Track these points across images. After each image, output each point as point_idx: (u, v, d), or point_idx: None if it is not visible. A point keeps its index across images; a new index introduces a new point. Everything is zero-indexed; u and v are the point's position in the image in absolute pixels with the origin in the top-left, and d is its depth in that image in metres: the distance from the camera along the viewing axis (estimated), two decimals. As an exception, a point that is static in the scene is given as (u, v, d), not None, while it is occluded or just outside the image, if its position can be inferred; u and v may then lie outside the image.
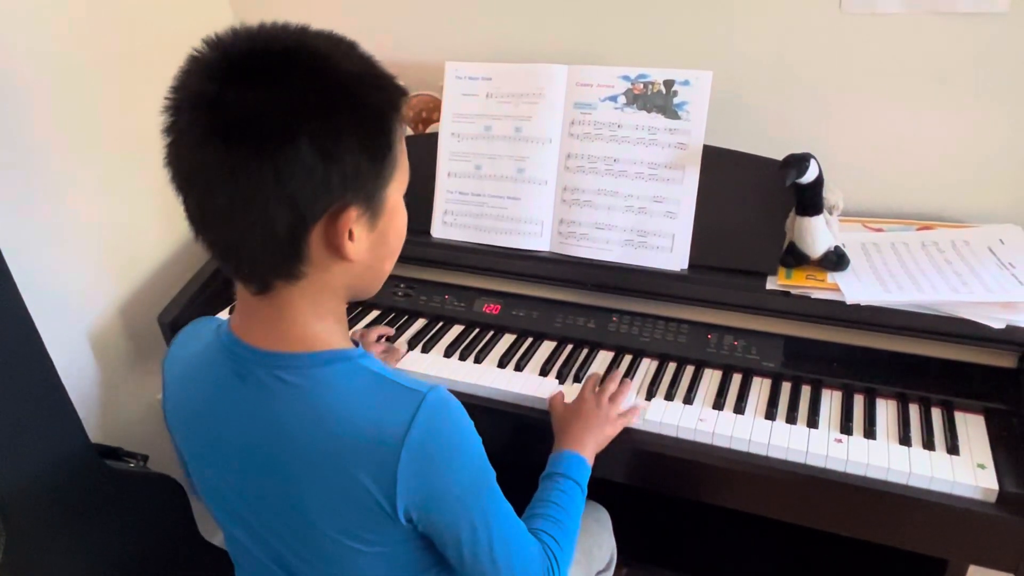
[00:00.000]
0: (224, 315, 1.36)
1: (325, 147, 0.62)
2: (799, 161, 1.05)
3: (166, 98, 0.64)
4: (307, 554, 0.76)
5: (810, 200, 1.10)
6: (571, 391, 1.10)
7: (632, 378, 1.13)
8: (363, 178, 0.66)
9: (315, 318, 0.71)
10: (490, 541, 0.74)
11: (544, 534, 0.84)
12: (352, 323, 1.34)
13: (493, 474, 0.76)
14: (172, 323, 1.34)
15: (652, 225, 1.20)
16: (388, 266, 0.77)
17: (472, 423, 0.73)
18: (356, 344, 0.74)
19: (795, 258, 1.14)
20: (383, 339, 1.26)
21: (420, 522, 0.72)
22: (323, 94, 0.62)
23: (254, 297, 0.69)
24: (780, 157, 1.09)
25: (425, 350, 1.24)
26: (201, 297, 1.39)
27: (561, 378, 1.15)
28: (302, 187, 0.62)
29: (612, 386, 1.06)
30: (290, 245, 0.65)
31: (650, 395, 1.09)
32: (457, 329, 1.30)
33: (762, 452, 1.00)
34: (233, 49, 0.63)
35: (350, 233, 0.66)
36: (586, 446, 0.97)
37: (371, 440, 0.67)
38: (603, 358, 1.20)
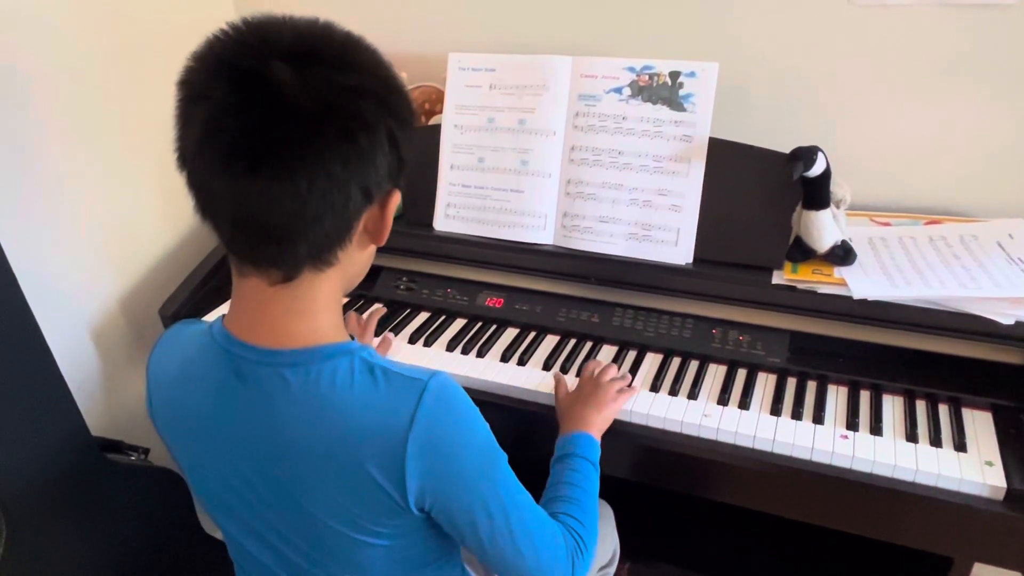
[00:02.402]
0: (217, 313, 1.35)
1: (393, 132, 0.65)
2: (807, 154, 1.04)
3: (191, 70, 0.62)
4: (313, 553, 0.76)
5: (817, 194, 1.09)
6: (572, 386, 1.10)
7: (636, 373, 1.13)
8: (405, 166, 0.70)
9: (325, 308, 0.71)
10: (508, 525, 0.74)
11: (566, 516, 0.84)
12: (354, 316, 1.33)
13: (504, 457, 0.76)
14: (173, 316, 1.33)
15: (657, 219, 1.19)
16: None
17: (476, 407, 0.73)
18: (352, 337, 0.74)
19: (801, 252, 1.13)
20: (375, 329, 1.25)
21: (434, 510, 0.71)
22: (390, 83, 0.67)
23: (270, 288, 0.68)
24: (787, 150, 1.08)
25: (427, 344, 1.23)
26: (202, 290, 1.38)
27: (564, 373, 1.14)
28: (375, 169, 0.65)
29: (611, 370, 1.07)
30: (349, 227, 0.67)
31: (654, 390, 1.09)
32: (460, 323, 1.29)
33: (767, 448, 0.99)
34: (285, 32, 0.63)
35: None
36: (592, 425, 0.97)
37: (377, 433, 0.67)
38: (607, 352, 1.19)
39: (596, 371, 1.08)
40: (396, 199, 0.70)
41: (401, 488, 0.68)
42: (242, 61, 0.61)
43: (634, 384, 1.09)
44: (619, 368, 1.13)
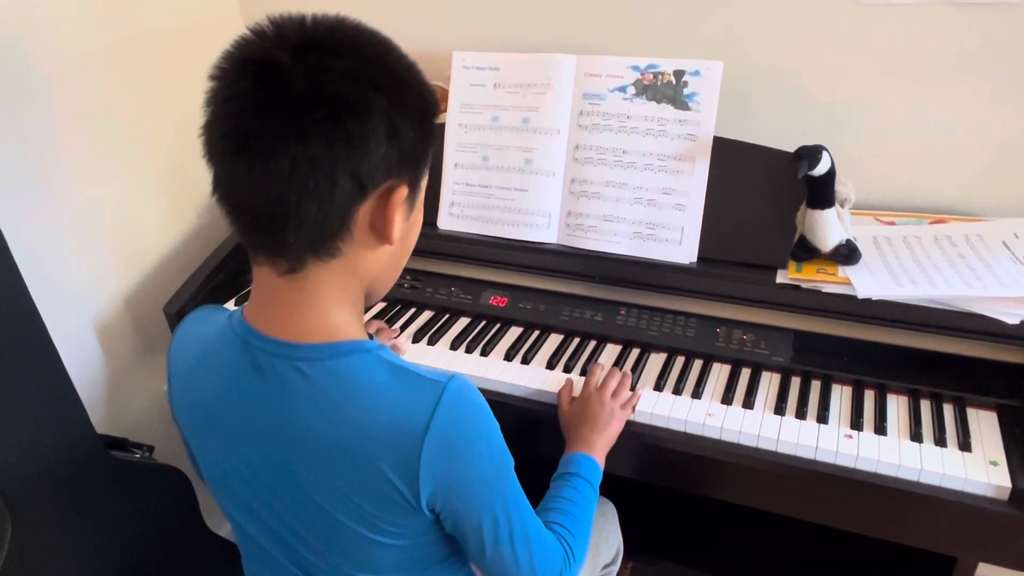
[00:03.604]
0: (230, 306, 1.35)
1: (393, 122, 0.64)
2: (811, 153, 1.04)
3: (218, 67, 0.64)
4: (321, 547, 0.76)
5: (822, 193, 1.09)
6: (578, 385, 1.10)
7: (640, 372, 1.13)
8: (415, 161, 0.69)
9: (337, 304, 0.70)
10: (511, 530, 0.75)
11: (557, 526, 0.85)
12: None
13: (512, 462, 0.76)
14: (178, 314, 1.33)
15: (661, 217, 1.19)
16: (403, 264, 0.78)
17: (491, 411, 0.73)
18: (371, 337, 0.74)
19: (806, 252, 1.13)
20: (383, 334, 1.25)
21: (443, 512, 0.72)
22: (392, 72, 0.66)
23: (280, 279, 0.68)
24: (791, 149, 1.07)
25: (431, 342, 1.23)
26: (207, 288, 1.39)
27: (568, 371, 1.14)
28: (367, 157, 0.64)
29: (613, 382, 1.06)
30: (341, 216, 0.65)
31: (658, 389, 1.09)
32: (463, 321, 1.29)
33: (771, 448, 0.99)
34: (304, 25, 0.65)
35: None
36: (595, 446, 0.97)
37: (393, 432, 0.67)
38: (610, 352, 1.19)
39: (599, 380, 1.07)
40: (401, 195, 0.67)
41: (414, 488, 0.68)
42: (253, 52, 0.63)
43: (637, 385, 1.09)
44: (622, 366, 1.13)
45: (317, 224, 0.64)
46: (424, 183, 0.73)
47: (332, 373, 0.68)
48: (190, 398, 0.78)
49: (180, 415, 0.81)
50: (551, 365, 1.16)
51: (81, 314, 1.36)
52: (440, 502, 0.70)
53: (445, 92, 1.35)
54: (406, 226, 0.72)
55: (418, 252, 1.31)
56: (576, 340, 1.22)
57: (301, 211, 0.63)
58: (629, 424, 1.04)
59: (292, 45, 0.62)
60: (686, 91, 1.16)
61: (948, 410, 1.01)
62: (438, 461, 0.67)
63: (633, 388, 1.08)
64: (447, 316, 1.30)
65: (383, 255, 0.71)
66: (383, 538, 0.73)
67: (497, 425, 0.73)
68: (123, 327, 1.45)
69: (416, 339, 1.24)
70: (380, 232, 0.68)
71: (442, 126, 1.32)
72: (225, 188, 0.65)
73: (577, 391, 1.07)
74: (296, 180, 0.62)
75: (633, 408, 1.05)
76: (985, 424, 0.99)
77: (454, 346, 1.22)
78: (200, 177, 0.67)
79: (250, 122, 0.62)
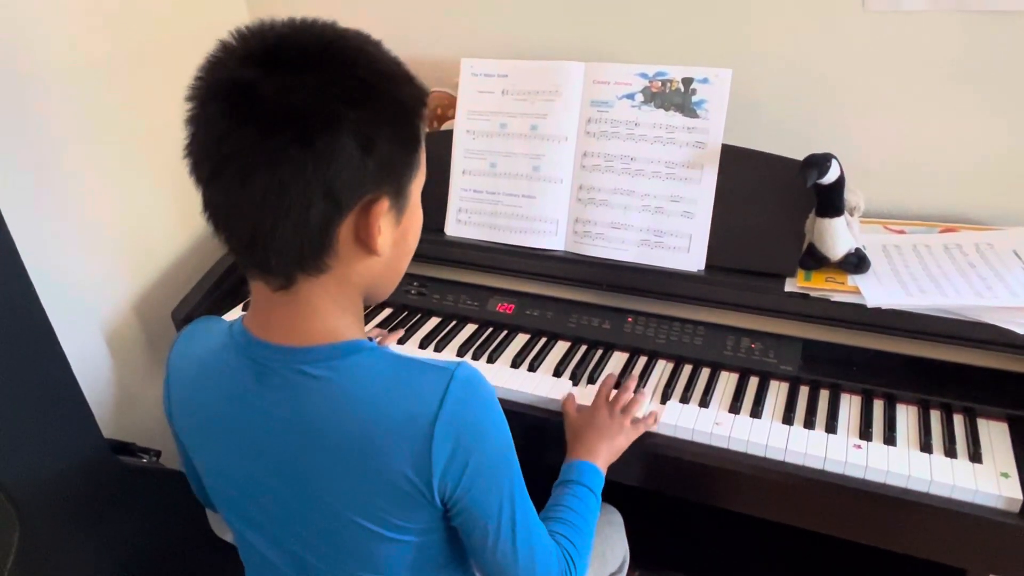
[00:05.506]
0: (232, 316, 1.36)
1: (364, 136, 0.62)
2: (820, 161, 1.04)
3: (192, 87, 0.63)
4: (333, 552, 0.75)
5: (831, 201, 1.08)
6: (584, 392, 1.09)
7: (647, 380, 1.12)
8: (396, 169, 0.67)
9: (335, 314, 0.70)
10: (513, 529, 0.74)
11: (560, 536, 0.84)
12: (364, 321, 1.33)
13: (516, 456, 0.76)
14: (186, 319, 1.34)
15: (669, 225, 1.18)
16: (404, 266, 0.78)
17: (497, 398, 0.73)
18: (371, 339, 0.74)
19: (815, 260, 1.12)
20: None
21: (451, 500, 0.71)
22: (363, 83, 0.63)
23: (275, 294, 0.68)
24: (800, 157, 1.07)
25: (438, 349, 1.23)
26: (215, 293, 1.39)
27: (575, 379, 1.14)
28: (340, 175, 0.62)
29: (626, 396, 1.05)
30: (321, 235, 0.64)
31: (665, 397, 1.08)
32: (470, 328, 1.29)
33: (779, 457, 0.98)
34: (269, 38, 0.63)
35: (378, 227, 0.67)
36: (599, 456, 0.96)
37: (404, 421, 0.67)
38: (618, 359, 1.18)
39: (612, 390, 1.06)
40: (382, 207, 0.66)
41: (427, 476, 0.68)
42: (221, 71, 0.62)
43: (643, 390, 1.09)
44: (629, 374, 1.12)
45: (296, 245, 0.64)
46: (416, 186, 0.72)
47: (339, 371, 0.68)
48: (191, 413, 0.78)
49: (181, 431, 0.80)
50: (558, 372, 1.15)
51: (89, 319, 1.37)
52: (451, 489, 0.70)
53: (453, 99, 1.35)
54: (398, 233, 0.71)
55: (425, 258, 1.33)
56: (583, 347, 1.21)
57: (278, 234, 0.63)
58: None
59: (257, 62, 0.61)
60: (694, 98, 1.16)
61: (958, 421, 1.00)
62: (450, 447, 0.67)
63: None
64: (454, 323, 1.30)
65: (375, 264, 0.71)
66: (393, 533, 0.72)
67: (503, 414, 0.74)
68: (131, 332, 1.46)
69: (423, 346, 1.24)
70: (366, 245, 0.68)
71: (450, 133, 1.32)
72: (209, 210, 0.65)
73: (583, 402, 1.07)
74: (269, 204, 0.61)
75: (644, 424, 1.03)
76: (996, 435, 0.98)
77: (461, 352, 1.21)
78: (208, 183, 0.67)
79: (222, 148, 0.61)
